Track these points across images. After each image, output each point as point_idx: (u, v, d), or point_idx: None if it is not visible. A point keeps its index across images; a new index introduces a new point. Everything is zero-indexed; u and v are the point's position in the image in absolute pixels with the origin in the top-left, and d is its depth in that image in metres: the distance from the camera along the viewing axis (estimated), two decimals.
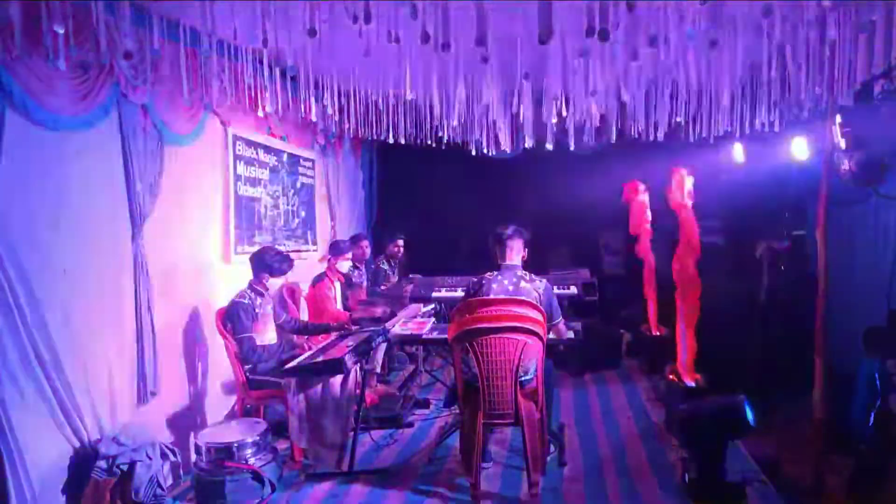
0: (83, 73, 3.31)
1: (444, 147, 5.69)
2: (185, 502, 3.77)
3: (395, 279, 7.09)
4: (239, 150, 5.18)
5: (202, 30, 3.07)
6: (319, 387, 4.02)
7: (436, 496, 3.83)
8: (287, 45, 3.17)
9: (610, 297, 7.47)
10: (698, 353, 4.86)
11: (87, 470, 3.28)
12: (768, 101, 4.32)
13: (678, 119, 4.81)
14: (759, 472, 4.00)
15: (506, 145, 5.80)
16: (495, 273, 3.91)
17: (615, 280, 8.16)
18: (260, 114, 3.99)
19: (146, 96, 3.78)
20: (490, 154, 6.34)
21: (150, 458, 3.45)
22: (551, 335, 3.89)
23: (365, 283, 6.60)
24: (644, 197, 6.57)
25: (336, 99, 4.44)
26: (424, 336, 4.56)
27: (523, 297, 3.68)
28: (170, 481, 3.74)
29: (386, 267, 6.99)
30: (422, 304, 5.87)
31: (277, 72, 3.82)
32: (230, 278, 4.80)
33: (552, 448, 4.26)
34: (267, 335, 4.49)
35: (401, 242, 7.07)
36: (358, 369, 4.23)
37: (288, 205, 6.15)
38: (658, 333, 6.53)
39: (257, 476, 3.63)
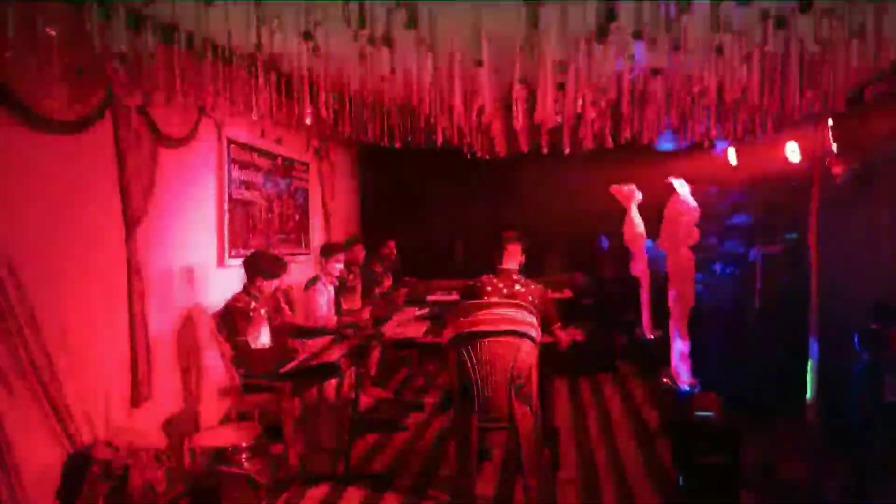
0: (77, 77, 3.30)
1: (438, 151, 5.69)
2: None
3: (388, 282, 7.09)
4: (233, 154, 5.18)
5: (196, 33, 3.07)
6: (314, 390, 4.02)
7: (430, 500, 3.83)
8: (282, 48, 3.17)
9: (605, 300, 7.49)
10: (693, 356, 4.87)
11: (80, 475, 3.26)
12: (761, 104, 4.34)
13: (671, 124, 4.83)
14: (755, 474, 4.01)
15: (500, 149, 5.81)
16: (491, 276, 3.91)
17: (610, 284, 8.17)
18: (254, 117, 3.98)
19: (140, 99, 3.77)
20: (485, 158, 6.36)
21: (144, 463, 3.44)
22: (548, 339, 3.89)
23: (359, 287, 6.59)
24: (635, 205, 6.59)
25: (330, 102, 4.44)
26: (419, 339, 4.56)
27: (518, 301, 3.69)
28: (164, 486, 3.72)
29: (380, 269, 6.99)
30: (417, 308, 5.87)
31: (272, 75, 3.82)
32: (224, 282, 4.78)
33: (547, 451, 4.26)
34: (261, 339, 4.48)
35: (392, 244, 7.07)
36: (353, 373, 4.23)
37: (282, 208, 6.14)
38: (652, 337, 6.55)
39: (252, 480, 3.61)
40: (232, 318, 4.28)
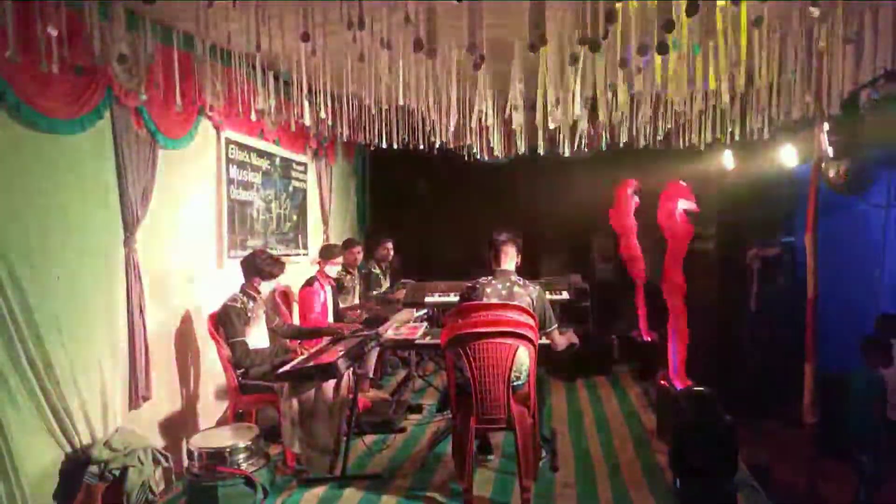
0: (77, 77, 3.31)
1: (436, 152, 5.72)
2: None
3: (386, 283, 7.10)
4: (231, 154, 5.18)
5: (196, 34, 3.08)
6: (312, 391, 4.02)
7: (428, 501, 3.84)
8: (281, 49, 3.18)
9: (602, 302, 7.50)
10: (689, 359, 4.88)
11: (78, 475, 3.27)
12: (758, 108, 4.37)
13: (668, 126, 4.85)
14: (751, 477, 4.03)
15: (498, 151, 5.83)
16: (489, 278, 3.92)
17: (607, 286, 8.19)
18: (253, 118, 3.99)
19: (139, 100, 3.78)
20: (483, 160, 6.38)
21: (142, 464, 3.44)
22: (544, 340, 3.90)
23: (357, 288, 6.59)
24: (632, 194, 6.62)
25: (329, 103, 4.45)
26: (417, 341, 4.57)
27: (516, 303, 3.70)
28: (162, 487, 3.73)
29: (377, 271, 7.00)
30: (414, 309, 5.88)
31: (271, 76, 3.84)
32: (222, 282, 4.79)
33: (544, 453, 4.28)
34: (259, 339, 4.48)
35: (389, 245, 7.08)
36: (351, 374, 4.23)
37: (280, 209, 6.15)
38: (649, 339, 6.57)
39: (249, 481, 3.61)
40: (230, 319, 4.29)
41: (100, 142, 3.63)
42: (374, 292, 6.82)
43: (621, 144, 5.09)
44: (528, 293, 3.81)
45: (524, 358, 3.61)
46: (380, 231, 7.75)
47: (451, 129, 4.71)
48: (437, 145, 5.45)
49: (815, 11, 2.80)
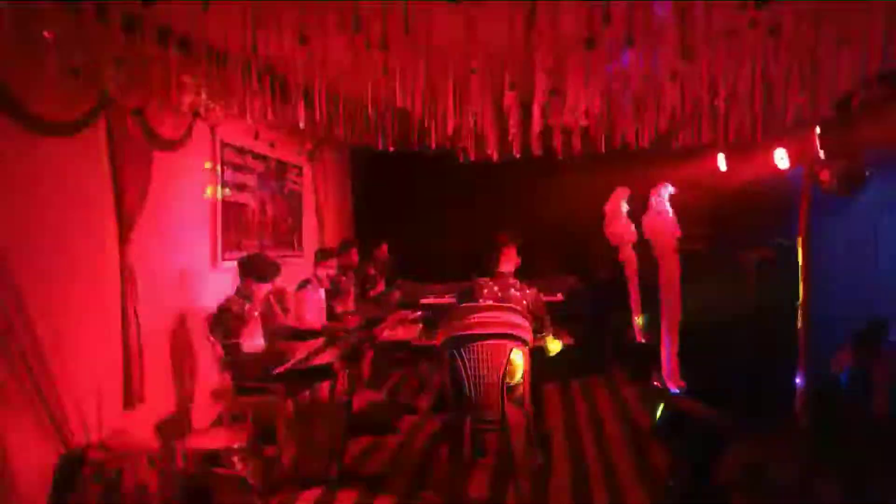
0: (72, 79, 3.30)
1: (432, 154, 5.72)
2: None
3: (382, 285, 7.10)
4: (227, 157, 5.19)
5: (192, 36, 3.09)
6: (308, 392, 4.03)
7: (423, 501, 3.84)
8: (277, 52, 3.19)
9: (597, 304, 7.52)
10: (684, 360, 4.90)
11: (73, 476, 3.26)
12: (751, 110, 4.39)
13: (664, 129, 4.87)
14: (745, 477, 4.04)
15: (494, 153, 5.83)
16: (487, 279, 3.94)
17: (602, 288, 8.21)
18: (248, 120, 3.99)
19: (135, 102, 3.78)
20: (479, 161, 6.38)
21: (137, 465, 3.44)
22: (539, 343, 3.91)
23: (353, 290, 6.59)
24: (623, 207, 6.63)
25: (324, 106, 4.46)
26: (413, 342, 4.58)
27: (511, 304, 3.71)
28: (157, 488, 3.72)
29: (373, 272, 7.00)
30: (410, 310, 5.89)
31: (266, 78, 3.84)
32: (217, 284, 4.79)
33: (538, 454, 4.29)
34: (254, 341, 4.48)
35: (385, 247, 7.09)
36: (346, 375, 4.24)
37: (275, 211, 6.15)
38: (644, 341, 6.58)
39: (245, 482, 3.62)
40: (225, 321, 4.29)
41: (95, 144, 3.63)
42: (370, 294, 6.83)
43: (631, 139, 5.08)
44: (524, 296, 3.83)
45: (519, 359, 3.62)
46: (375, 232, 7.76)
47: (447, 130, 4.72)
48: (432, 147, 5.46)
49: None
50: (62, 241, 3.37)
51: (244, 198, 5.50)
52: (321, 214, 7.27)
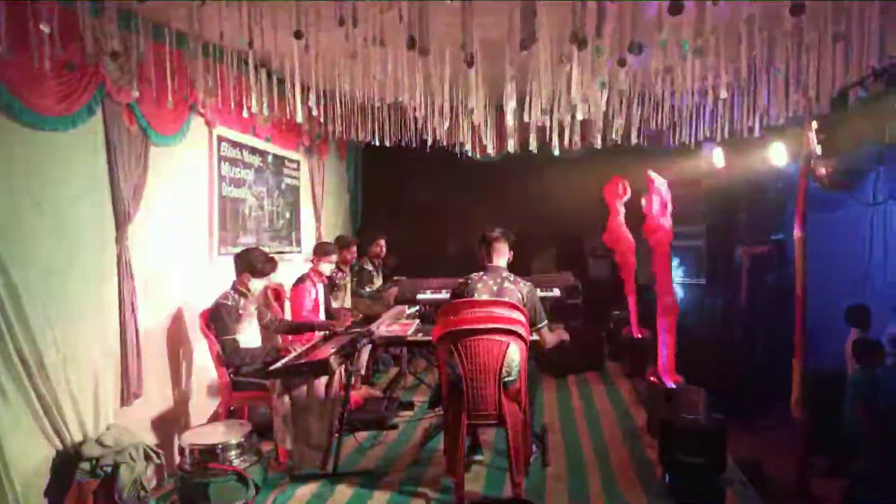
0: (69, 73, 3.30)
1: (429, 150, 5.73)
2: None
3: (378, 280, 7.10)
4: (224, 151, 5.17)
5: (188, 31, 3.08)
6: (304, 388, 4.02)
7: (420, 497, 3.85)
8: (273, 46, 3.18)
9: (593, 300, 7.53)
10: (679, 355, 4.92)
11: (70, 472, 3.26)
12: (747, 106, 4.40)
13: (660, 125, 4.89)
14: (740, 473, 4.07)
15: (491, 148, 5.84)
16: (481, 274, 3.95)
17: (599, 283, 8.23)
18: (245, 115, 3.99)
19: (131, 97, 3.77)
20: (475, 157, 6.39)
21: (134, 461, 3.44)
22: (534, 337, 3.92)
23: (349, 286, 6.60)
24: (621, 203, 6.64)
25: (321, 101, 4.46)
26: (409, 338, 4.59)
27: (507, 299, 3.72)
28: (153, 483, 3.73)
29: (370, 268, 7.00)
30: (407, 306, 5.89)
31: (263, 73, 3.84)
32: (214, 279, 4.78)
33: (535, 449, 4.30)
34: (251, 336, 4.49)
35: (382, 242, 7.09)
36: (342, 371, 4.24)
37: (272, 206, 6.14)
38: (639, 336, 6.60)
39: (241, 478, 3.62)
40: (221, 316, 4.30)
41: (91, 138, 3.62)
42: (367, 289, 6.83)
43: (624, 138, 5.09)
44: (518, 289, 3.83)
45: (515, 354, 3.63)
46: (372, 228, 7.76)
47: (444, 126, 4.73)
48: (429, 143, 5.46)
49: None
50: (58, 235, 3.36)
51: (241, 192, 5.49)
52: (318, 209, 7.26)
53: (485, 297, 3.77)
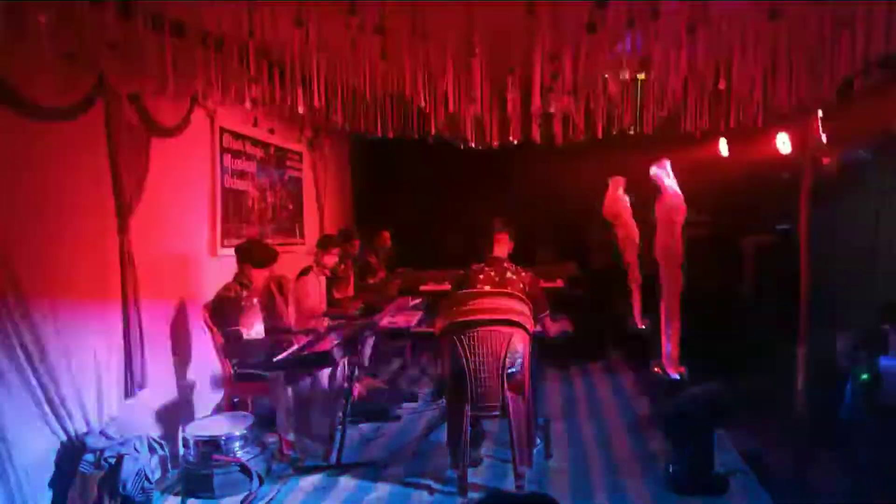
0: (68, 64, 3.28)
1: (431, 141, 5.69)
2: (172, 496, 3.76)
3: (382, 272, 7.10)
4: (226, 143, 5.16)
5: (188, 21, 3.06)
6: (307, 380, 4.03)
7: (423, 488, 3.85)
8: (274, 36, 3.16)
9: (596, 290, 7.52)
10: (683, 346, 4.90)
11: (74, 464, 3.27)
12: (752, 95, 4.36)
13: (664, 114, 4.84)
14: (743, 463, 4.06)
15: (493, 139, 5.80)
16: (482, 265, 3.93)
17: (602, 274, 8.20)
18: (247, 106, 3.96)
19: (132, 87, 3.75)
20: (478, 148, 6.35)
21: (138, 452, 3.44)
22: (537, 327, 3.91)
23: (351, 277, 6.59)
24: (622, 194, 6.58)
25: (324, 91, 4.43)
26: (412, 329, 4.58)
27: (509, 290, 3.71)
28: (157, 475, 3.74)
29: (373, 260, 7.00)
30: (410, 298, 5.89)
31: (264, 64, 3.81)
32: (217, 271, 4.78)
33: (538, 440, 4.30)
34: (253, 328, 4.49)
35: (387, 235, 7.08)
36: (346, 363, 4.24)
37: (275, 198, 6.13)
38: (643, 327, 6.58)
39: (245, 469, 3.63)
40: (224, 308, 4.29)
41: (92, 130, 3.60)
42: (370, 281, 6.82)
43: (631, 127, 5.05)
44: (520, 279, 3.82)
45: (518, 345, 3.62)
46: (375, 220, 7.75)
47: (446, 116, 4.69)
48: (432, 133, 5.43)
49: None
50: (60, 228, 3.36)
51: (244, 184, 5.48)
52: (321, 201, 7.25)
53: (487, 288, 3.76)
